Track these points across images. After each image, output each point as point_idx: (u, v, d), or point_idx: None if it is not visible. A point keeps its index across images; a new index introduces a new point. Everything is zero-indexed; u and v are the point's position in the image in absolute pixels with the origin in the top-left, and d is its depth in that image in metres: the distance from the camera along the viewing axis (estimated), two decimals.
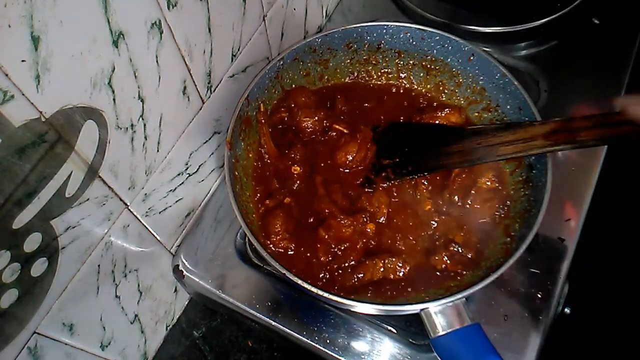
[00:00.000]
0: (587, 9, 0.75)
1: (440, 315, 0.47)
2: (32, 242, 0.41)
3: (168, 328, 0.67)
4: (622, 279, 0.90)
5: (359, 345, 0.58)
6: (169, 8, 0.47)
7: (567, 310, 0.62)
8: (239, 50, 0.61)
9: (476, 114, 0.65)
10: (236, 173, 0.58)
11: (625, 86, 0.71)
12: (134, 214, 0.53)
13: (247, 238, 0.64)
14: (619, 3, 0.79)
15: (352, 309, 0.57)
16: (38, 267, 0.42)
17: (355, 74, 0.69)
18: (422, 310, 0.48)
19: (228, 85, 0.61)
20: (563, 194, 0.62)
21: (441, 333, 0.47)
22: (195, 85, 0.55)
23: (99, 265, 0.50)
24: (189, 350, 0.66)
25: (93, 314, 0.52)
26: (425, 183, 0.60)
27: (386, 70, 0.69)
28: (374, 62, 0.68)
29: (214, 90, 0.59)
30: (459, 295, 0.48)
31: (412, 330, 0.58)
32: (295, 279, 0.49)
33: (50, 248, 0.43)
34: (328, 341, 0.58)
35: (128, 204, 0.52)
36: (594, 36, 0.77)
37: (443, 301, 0.47)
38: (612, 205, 0.92)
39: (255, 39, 0.64)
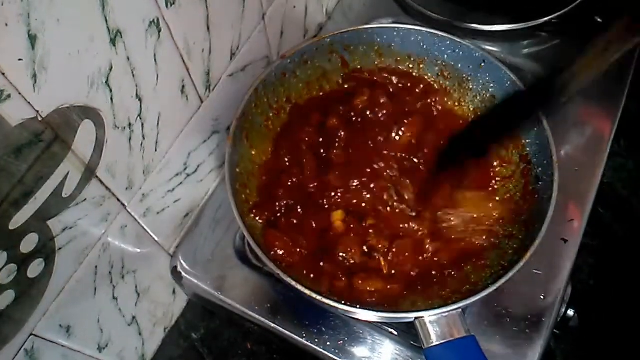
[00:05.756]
0: (589, 8, 0.74)
1: (435, 325, 0.47)
2: (29, 243, 0.40)
3: (166, 330, 0.66)
4: (626, 281, 0.90)
5: (359, 347, 0.57)
6: (167, 6, 0.46)
7: (570, 312, 0.62)
8: (238, 49, 0.61)
9: None
10: (238, 170, 0.58)
11: (628, 84, 0.70)
12: (131, 215, 0.53)
13: (245, 239, 0.64)
14: (621, 1, 0.79)
15: (352, 316, 0.57)
16: (35, 268, 0.42)
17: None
18: (416, 319, 0.47)
19: (227, 85, 0.61)
20: (566, 194, 0.61)
21: (435, 343, 0.46)
22: (194, 84, 0.55)
23: (96, 267, 0.50)
24: (187, 352, 0.66)
25: (90, 315, 0.52)
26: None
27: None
28: (385, 63, 0.67)
29: (212, 90, 0.59)
30: (455, 306, 0.47)
31: (413, 332, 0.58)
32: (294, 284, 0.49)
33: (47, 249, 0.42)
34: (328, 343, 0.57)
35: (126, 204, 0.51)
36: (596, 35, 0.76)
37: (438, 311, 0.47)
38: (614, 206, 0.92)
39: (255, 38, 0.63)
